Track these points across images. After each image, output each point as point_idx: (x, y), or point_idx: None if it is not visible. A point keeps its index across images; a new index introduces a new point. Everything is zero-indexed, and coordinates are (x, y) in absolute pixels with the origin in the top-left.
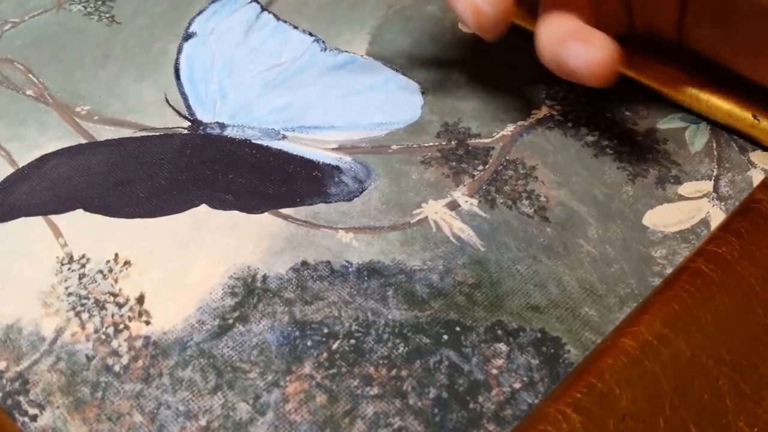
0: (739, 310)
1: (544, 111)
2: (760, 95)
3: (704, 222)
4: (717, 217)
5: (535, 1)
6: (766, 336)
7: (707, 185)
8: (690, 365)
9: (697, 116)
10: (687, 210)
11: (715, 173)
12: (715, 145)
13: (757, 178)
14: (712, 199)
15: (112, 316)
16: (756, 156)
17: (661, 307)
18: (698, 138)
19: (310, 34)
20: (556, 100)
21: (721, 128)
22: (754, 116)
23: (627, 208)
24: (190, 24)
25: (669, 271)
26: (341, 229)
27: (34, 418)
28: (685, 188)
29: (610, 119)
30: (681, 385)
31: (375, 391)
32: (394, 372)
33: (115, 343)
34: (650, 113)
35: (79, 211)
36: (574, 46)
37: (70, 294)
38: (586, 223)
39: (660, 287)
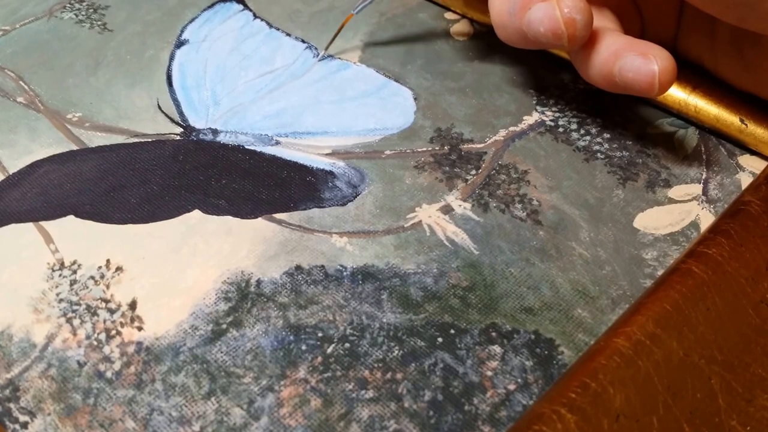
0: (729, 310)
1: (535, 117)
2: (747, 100)
3: (694, 224)
4: (706, 219)
5: None
6: (757, 335)
7: (696, 188)
8: (682, 365)
9: (686, 121)
10: (677, 213)
11: (704, 176)
12: (703, 149)
13: (745, 180)
14: (702, 202)
15: (104, 322)
16: (744, 159)
17: (653, 308)
18: (687, 142)
19: (303, 41)
20: (547, 106)
21: (709, 132)
22: (742, 120)
23: (618, 212)
24: (182, 31)
25: (660, 272)
26: (335, 233)
27: (24, 425)
28: (675, 191)
29: (601, 124)
30: (674, 385)
31: (370, 394)
32: (389, 375)
33: (107, 349)
34: (640, 118)
35: (71, 218)
36: (633, 59)
37: (61, 300)
38: (577, 227)
39: (651, 288)
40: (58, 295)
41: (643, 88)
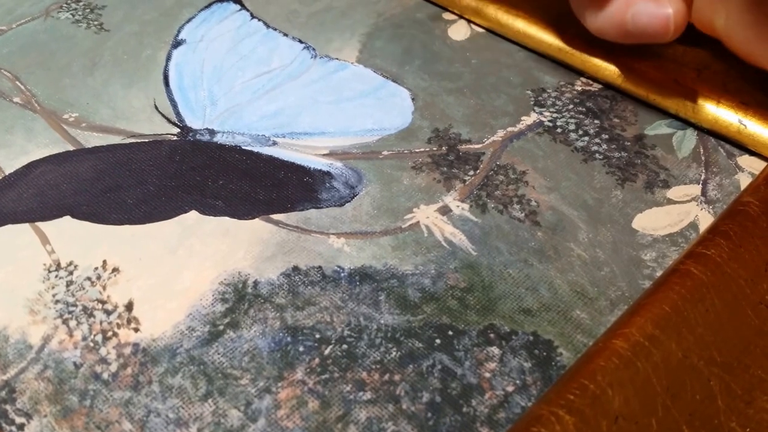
0: (729, 311)
1: (533, 117)
2: (746, 101)
3: (693, 225)
4: (705, 220)
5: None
6: (757, 337)
7: (695, 189)
8: (681, 366)
9: (685, 122)
10: (676, 213)
11: (702, 177)
12: (702, 150)
13: (744, 181)
14: (701, 203)
15: (101, 323)
16: (743, 160)
17: (652, 309)
18: (686, 143)
19: (300, 42)
20: (545, 107)
21: (708, 134)
22: (740, 122)
23: (616, 212)
24: (179, 31)
25: (659, 273)
26: (333, 234)
27: (21, 427)
28: (674, 192)
29: (599, 125)
30: (673, 386)
31: (368, 396)
32: (386, 377)
33: (103, 351)
34: (638, 119)
35: (67, 218)
36: (645, 4)
37: (57, 301)
38: (576, 227)
39: (650, 289)
40: (54, 296)
41: (657, 32)
